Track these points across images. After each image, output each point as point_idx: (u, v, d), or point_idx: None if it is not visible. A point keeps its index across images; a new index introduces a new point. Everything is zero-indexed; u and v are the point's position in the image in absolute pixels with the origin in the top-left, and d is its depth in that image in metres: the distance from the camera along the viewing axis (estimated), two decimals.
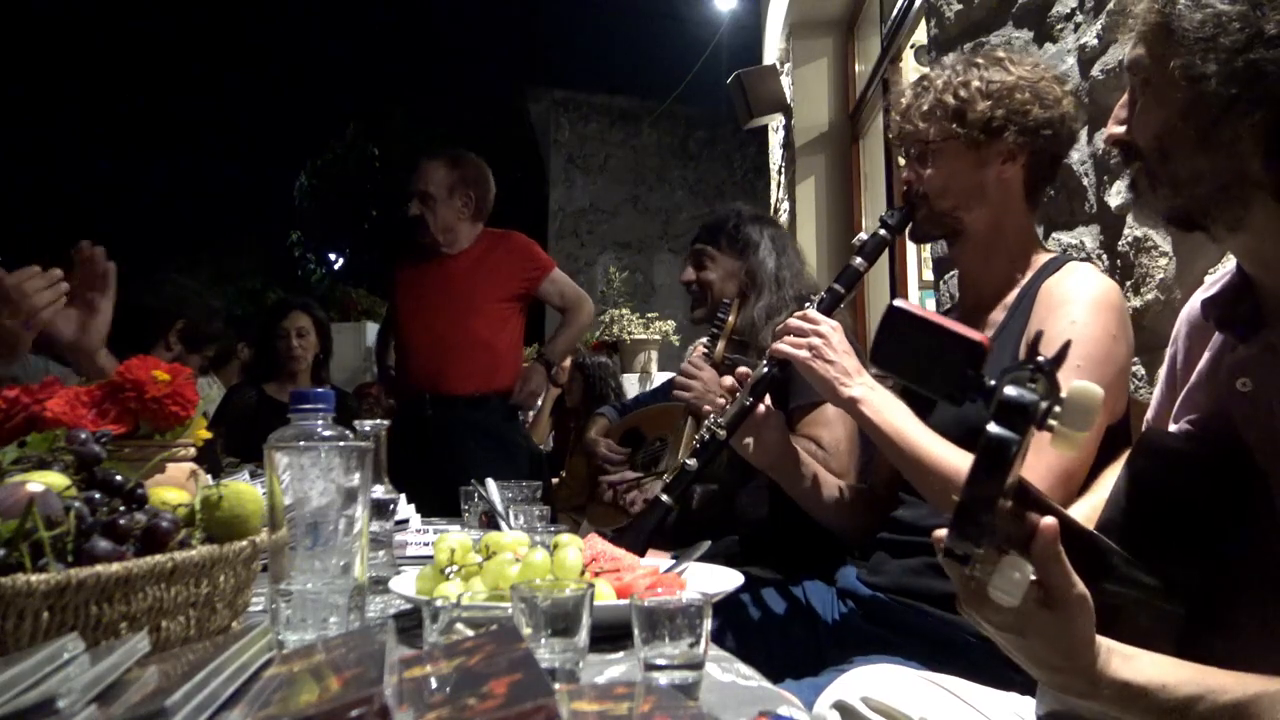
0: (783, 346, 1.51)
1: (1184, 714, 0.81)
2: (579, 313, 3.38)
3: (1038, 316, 1.42)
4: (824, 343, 1.48)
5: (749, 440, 1.62)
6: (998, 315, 1.52)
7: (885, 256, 4.27)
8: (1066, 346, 0.77)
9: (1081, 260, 1.53)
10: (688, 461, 1.63)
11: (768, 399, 1.62)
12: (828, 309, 1.57)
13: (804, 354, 1.48)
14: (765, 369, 1.58)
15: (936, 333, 0.86)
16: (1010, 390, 0.72)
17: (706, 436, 1.62)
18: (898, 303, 0.92)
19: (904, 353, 0.90)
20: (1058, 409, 0.73)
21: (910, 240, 1.69)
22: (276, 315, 3.69)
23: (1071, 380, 0.73)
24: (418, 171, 3.32)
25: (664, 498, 1.62)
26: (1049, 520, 0.77)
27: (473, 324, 3.18)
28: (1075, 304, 1.38)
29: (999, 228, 1.54)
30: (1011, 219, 1.54)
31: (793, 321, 1.53)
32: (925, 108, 1.53)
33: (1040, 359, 0.74)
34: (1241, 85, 0.86)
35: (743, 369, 1.65)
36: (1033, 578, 0.74)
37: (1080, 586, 0.79)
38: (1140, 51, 0.96)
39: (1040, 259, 1.54)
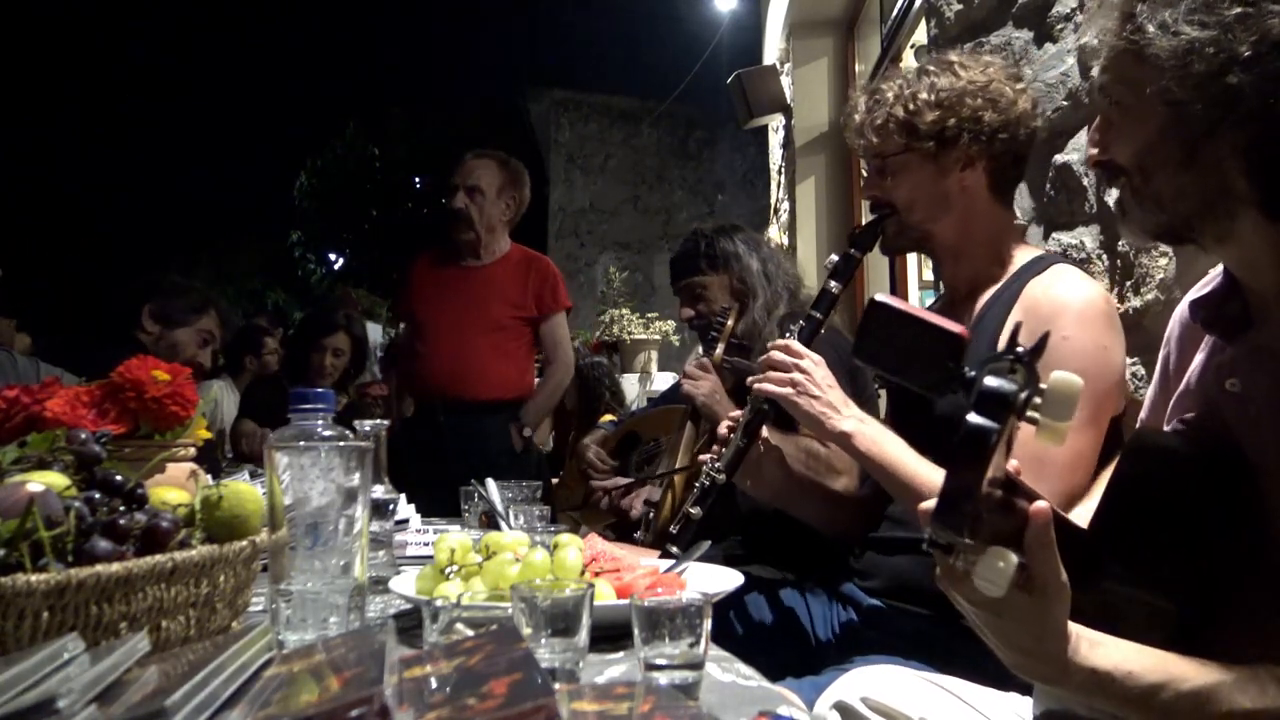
0: (767, 386, 1.50)
1: (1148, 701, 0.83)
2: (561, 369, 3.35)
3: (1026, 325, 1.40)
4: (807, 379, 1.47)
5: (750, 480, 1.62)
6: (975, 307, 1.51)
7: (885, 258, 4.25)
8: (1045, 337, 0.77)
9: (1064, 261, 1.51)
10: (691, 510, 1.63)
11: (764, 432, 1.62)
12: (807, 338, 1.56)
13: (788, 390, 1.47)
14: (755, 408, 1.58)
15: (917, 325, 0.87)
16: (990, 380, 0.72)
17: (706, 483, 1.62)
18: (879, 297, 0.92)
19: (885, 346, 0.91)
20: (1038, 399, 0.73)
21: (881, 253, 1.68)
22: (320, 329, 3.72)
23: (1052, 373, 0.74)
24: (464, 166, 3.28)
25: (673, 549, 1.61)
26: (1041, 504, 0.78)
27: (496, 335, 3.20)
28: (1065, 317, 1.36)
29: (968, 233, 1.53)
30: (980, 222, 1.53)
31: (775, 355, 1.52)
32: (878, 122, 1.52)
33: (1019, 349, 0.74)
34: (1221, 108, 0.87)
35: (735, 411, 1.65)
36: (1017, 563, 0.75)
37: (1062, 575, 0.80)
38: (1110, 76, 0.97)
39: (1020, 256, 1.52)
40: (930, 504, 0.74)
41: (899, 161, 1.52)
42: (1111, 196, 1.82)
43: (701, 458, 1.73)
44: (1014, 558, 0.73)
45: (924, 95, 1.48)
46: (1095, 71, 1.01)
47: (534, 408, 3.32)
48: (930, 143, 1.47)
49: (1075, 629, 0.83)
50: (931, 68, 1.51)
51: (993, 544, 0.74)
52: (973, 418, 0.71)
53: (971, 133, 1.46)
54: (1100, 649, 0.84)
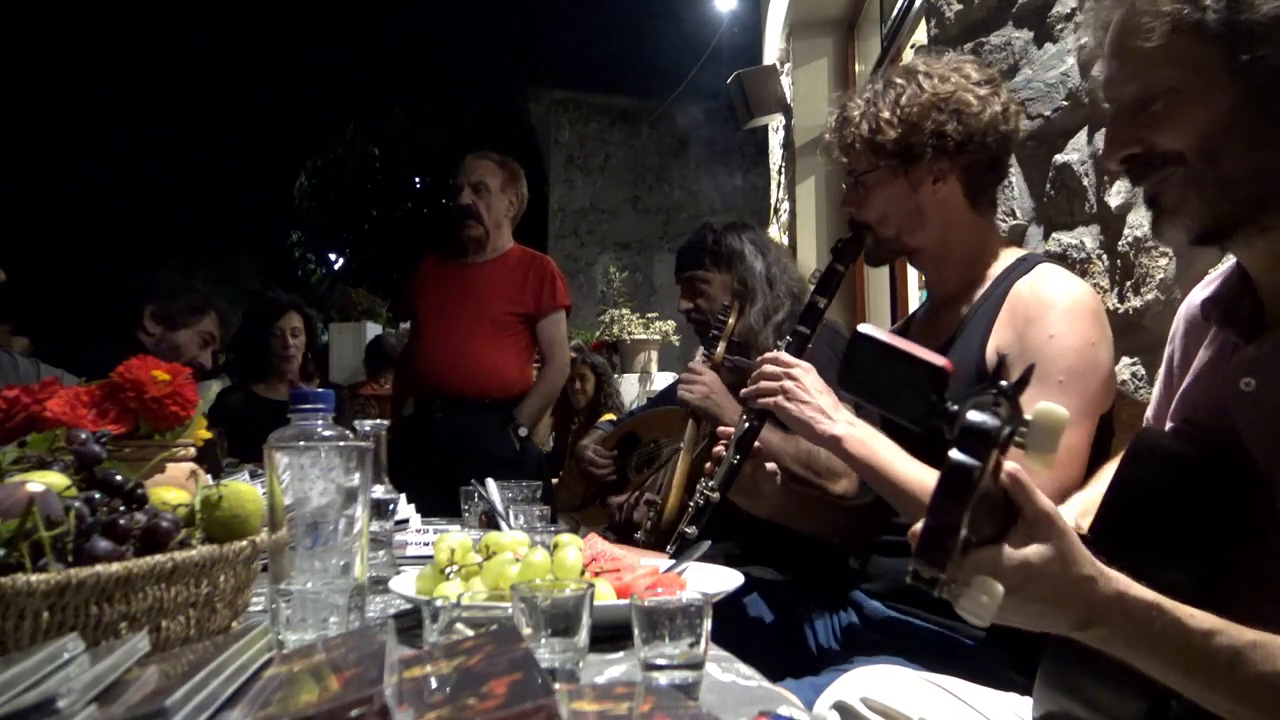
0: (758, 398, 1.51)
1: (1198, 646, 0.78)
2: (556, 369, 3.36)
3: (1011, 324, 1.40)
4: (796, 385, 1.47)
5: (746, 497, 1.62)
6: (960, 312, 1.52)
7: None
8: (1030, 371, 0.76)
9: (1048, 260, 1.51)
10: (687, 529, 1.63)
11: (757, 444, 1.61)
12: (797, 350, 1.56)
13: (778, 398, 1.48)
14: (746, 424, 1.58)
15: (900, 358, 0.87)
16: (973, 415, 0.71)
17: (701, 502, 1.62)
18: (863, 328, 0.92)
19: (869, 378, 0.91)
20: (1023, 430, 0.73)
21: (867, 264, 1.69)
22: (269, 316, 3.65)
23: (1049, 399, 0.73)
24: (465, 165, 3.33)
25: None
26: (1011, 466, 0.77)
27: (493, 331, 3.21)
28: (1052, 314, 1.36)
29: (947, 242, 1.54)
30: (959, 231, 1.53)
31: (766, 368, 1.53)
32: (847, 141, 1.52)
33: (1003, 383, 0.74)
34: None
35: (724, 428, 1.66)
36: (1002, 596, 0.74)
37: (1053, 508, 0.77)
38: (1157, 62, 0.93)
39: (1005, 258, 1.52)
40: (920, 527, 0.73)
41: (871, 179, 1.53)
42: (1113, 197, 1.82)
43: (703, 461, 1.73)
44: (999, 590, 0.73)
45: (885, 114, 1.47)
46: (1116, 63, 0.97)
47: (529, 406, 3.29)
48: (896, 161, 1.48)
49: (1102, 567, 0.79)
50: (898, 79, 1.51)
51: (986, 550, 0.74)
52: (955, 454, 0.70)
53: (936, 147, 1.46)
54: (1134, 587, 0.79)
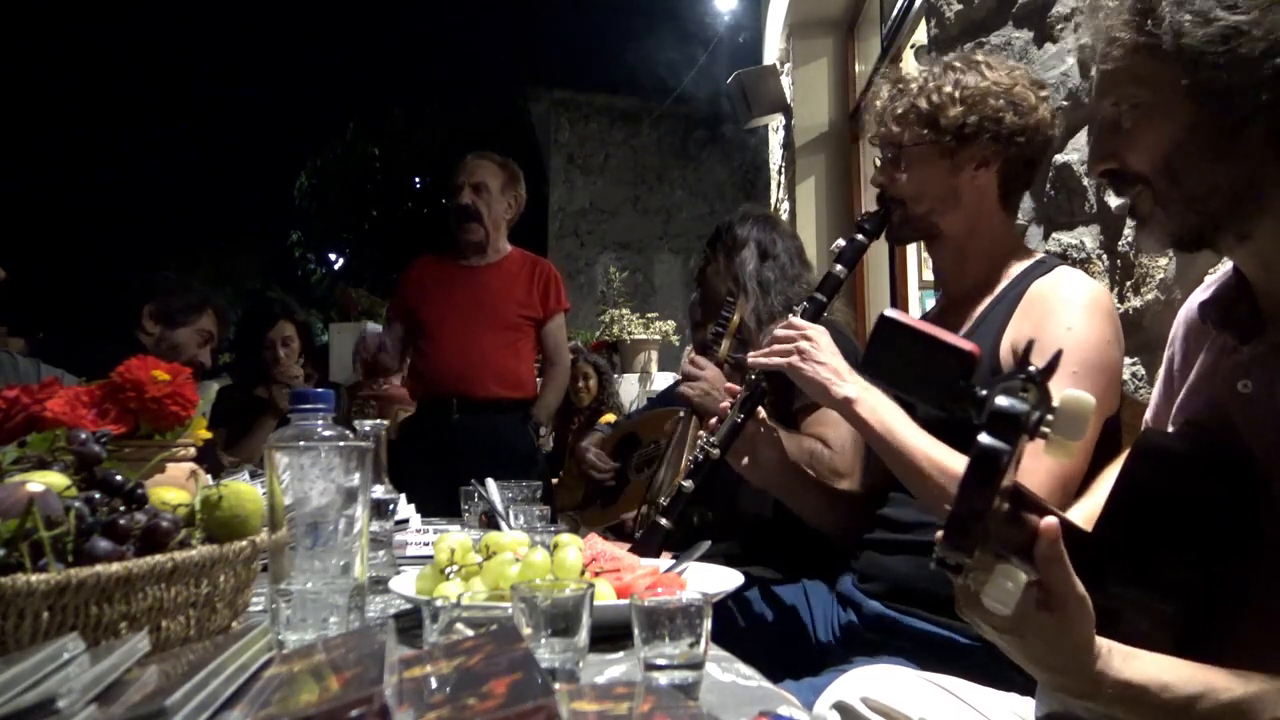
0: (773, 359, 1.51)
1: (1185, 713, 0.81)
2: (560, 369, 3.43)
3: (1028, 319, 1.41)
4: (812, 345, 1.47)
5: (745, 458, 1.62)
6: (975, 311, 1.52)
7: (885, 257, 4.25)
8: (1058, 356, 0.76)
9: (1068, 263, 1.52)
10: (684, 483, 1.62)
11: (761, 413, 1.61)
12: (812, 317, 1.57)
13: (792, 359, 1.47)
14: (753, 385, 1.58)
15: (927, 343, 0.86)
16: (1002, 400, 0.71)
17: (700, 457, 1.62)
18: (888, 312, 0.92)
19: (895, 362, 0.90)
20: (1050, 418, 0.73)
21: (888, 242, 1.69)
22: (261, 325, 3.58)
23: (1065, 388, 0.73)
24: (466, 165, 3.32)
25: (662, 521, 1.61)
26: (1050, 521, 0.77)
27: (507, 333, 3.23)
28: (1070, 310, 1.37)
29: (974, 231, 1.54)
30: (987, 223, 1.54)
31: (779, 331, 1.53)
32: (900, 111, 1.53)
33: (1031, 368, 0.74)
34: (1271, 90, 0.86)
35: (732, 385, 1.65)
36: (1029, 580, 0.74)
37: (1080, 589, 0.79)
38: (1121, 79, 0.95)
39: (1023, 261, 1.53)
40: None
41: (916, 152, 1.53)
42: (1113, 197, 1.82)
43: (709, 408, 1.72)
44: (1023, 577, 0.73)
45: (949, 89, 1.49)
46: (1096, 77, 0.99)
47: (545, 406, 3.38)
48: (949, 137, 1.48)
49: (1105, 643, 0.82)
50: (958, 64, 1.52)
51: (1003, 556, 0.74)
52: (984, 439, 0.70)
53: (991, 132, 1.47)
54: (1134, 662, 0.82)
